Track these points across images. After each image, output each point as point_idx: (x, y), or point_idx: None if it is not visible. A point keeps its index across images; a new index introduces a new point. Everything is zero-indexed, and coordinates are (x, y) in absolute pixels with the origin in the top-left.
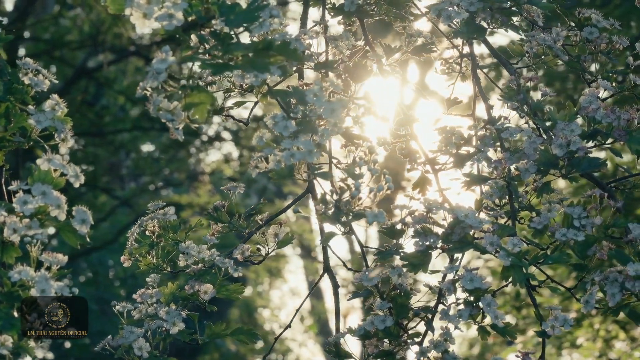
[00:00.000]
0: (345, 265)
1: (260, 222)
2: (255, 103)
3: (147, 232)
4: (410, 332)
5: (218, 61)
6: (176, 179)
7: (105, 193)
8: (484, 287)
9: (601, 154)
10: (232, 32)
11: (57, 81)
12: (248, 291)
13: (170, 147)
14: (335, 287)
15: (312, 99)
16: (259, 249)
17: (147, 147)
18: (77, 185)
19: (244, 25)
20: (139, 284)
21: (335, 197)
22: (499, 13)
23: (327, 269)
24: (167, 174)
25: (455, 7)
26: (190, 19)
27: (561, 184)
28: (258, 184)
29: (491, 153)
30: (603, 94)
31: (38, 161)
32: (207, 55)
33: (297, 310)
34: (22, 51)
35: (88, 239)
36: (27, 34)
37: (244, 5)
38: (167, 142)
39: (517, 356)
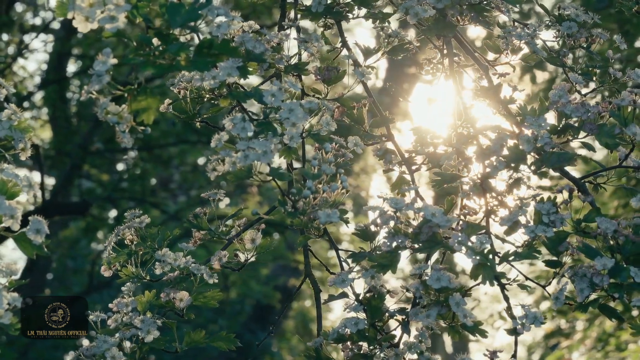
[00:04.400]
0: (327, 269)
1: (239, 228)
2: (231, 109)
3: (126, 241)
4: (386, 334)
5: (160, 62)
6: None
7: (155, 207)
8: (452, 286)
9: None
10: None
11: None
12: (307, 303)
13: None
14: (317, 291)
15: (270, 99)
16: (236, 255)
17: (201, 160)
18: (30, 195)
19: (188, 24)
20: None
21: (292, 197)
22: (469, 9)
23: (309, 273)
24: (215, 186)
25: (423, 5)
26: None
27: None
28: None
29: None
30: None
31: None
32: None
33: (279, 317)
34: (70, 68)
35: (45, 249)
36: (75, 51)
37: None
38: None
39: (485, 355)
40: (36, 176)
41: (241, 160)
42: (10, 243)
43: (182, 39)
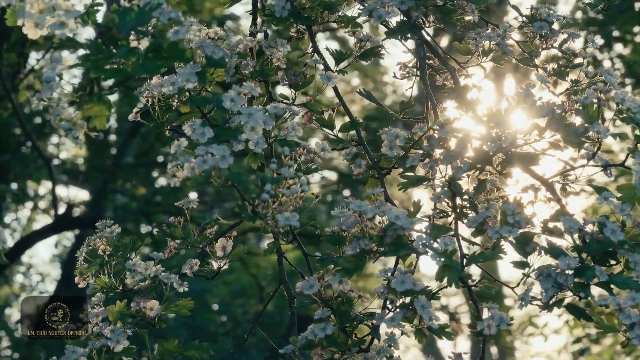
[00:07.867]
0: (301, 275)
1: (210, 236)
2: (203, 115)
3: (99, 252)
4: (355, 339)
5: (110, 66)
6: None
7: (190, 221)
8: (417, 288)
9: None
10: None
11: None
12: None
13: (251, 172)
14: (291, 299)
15: (229, 104)
16: (208, 263)
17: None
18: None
19: (138, 28)
20: (231, 310)
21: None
22: (433, 11)
23: (283, 280)
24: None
25: (386, 7)
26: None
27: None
28: (336, 204)
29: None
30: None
31: None
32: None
33: (255, 323)
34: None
35: (4, 258)
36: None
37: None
38: (246, 166)
39: (449, 357)
40: (73, 191)
41: (199, 165)
42: (43, 254)
43: (135, 43)
